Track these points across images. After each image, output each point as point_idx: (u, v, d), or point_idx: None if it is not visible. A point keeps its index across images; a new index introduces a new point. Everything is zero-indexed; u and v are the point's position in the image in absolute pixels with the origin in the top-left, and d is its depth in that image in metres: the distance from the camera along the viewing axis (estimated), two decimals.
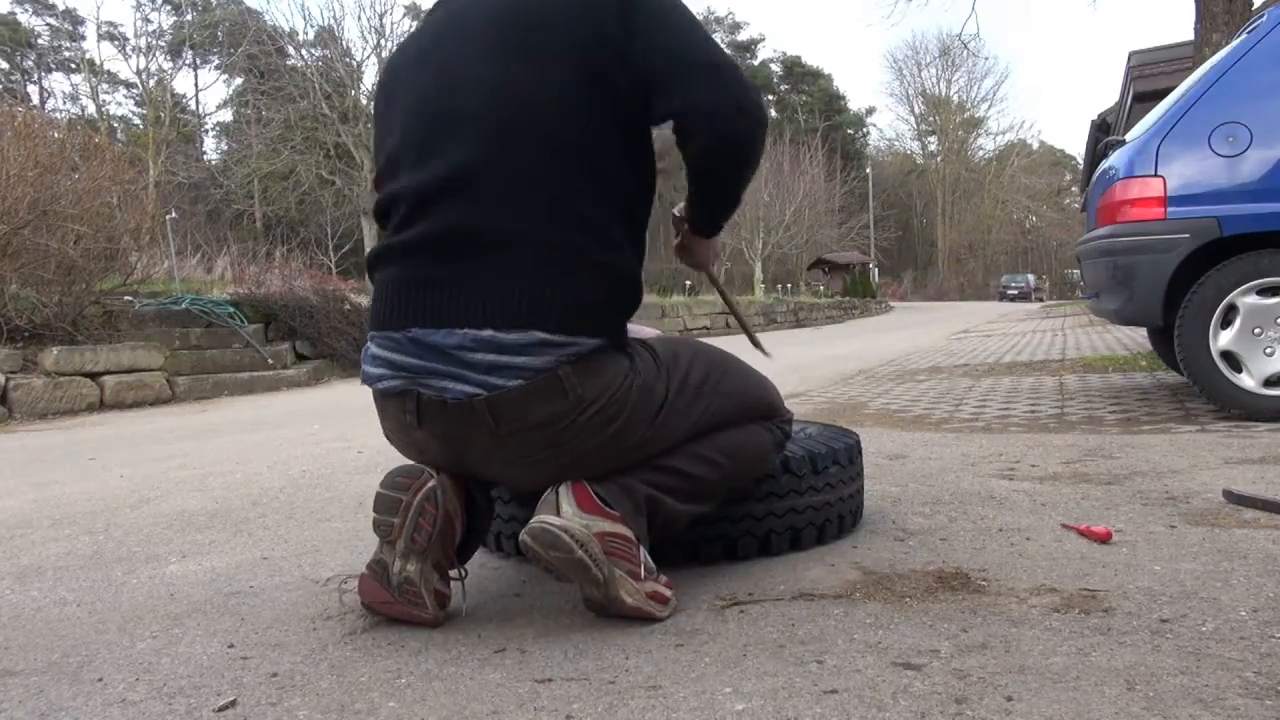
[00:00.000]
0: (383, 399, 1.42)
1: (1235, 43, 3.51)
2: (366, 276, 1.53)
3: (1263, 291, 3.09)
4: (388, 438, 1.50)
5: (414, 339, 1.33)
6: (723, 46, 1.38)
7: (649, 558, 1.39)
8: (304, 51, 28.44)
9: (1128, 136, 3.65)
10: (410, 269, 1.35)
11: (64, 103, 33.48)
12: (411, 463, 1.45)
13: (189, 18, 32.74)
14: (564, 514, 1.31)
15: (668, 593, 1.40)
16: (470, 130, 1.33)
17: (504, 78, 1.33)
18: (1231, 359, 3.14)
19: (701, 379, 1.47)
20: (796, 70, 57.81)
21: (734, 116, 1.31)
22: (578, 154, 1.32)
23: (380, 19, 27.58)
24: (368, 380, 1.43)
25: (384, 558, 1.40)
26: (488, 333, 1.28)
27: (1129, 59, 11.40)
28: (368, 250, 1.59)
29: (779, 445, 1.63)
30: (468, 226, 1.31)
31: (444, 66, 1.39)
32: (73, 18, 34.38)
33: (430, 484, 1.37)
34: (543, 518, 1.31)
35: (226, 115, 36.54)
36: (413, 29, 1.52)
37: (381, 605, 1.41)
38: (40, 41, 34.52)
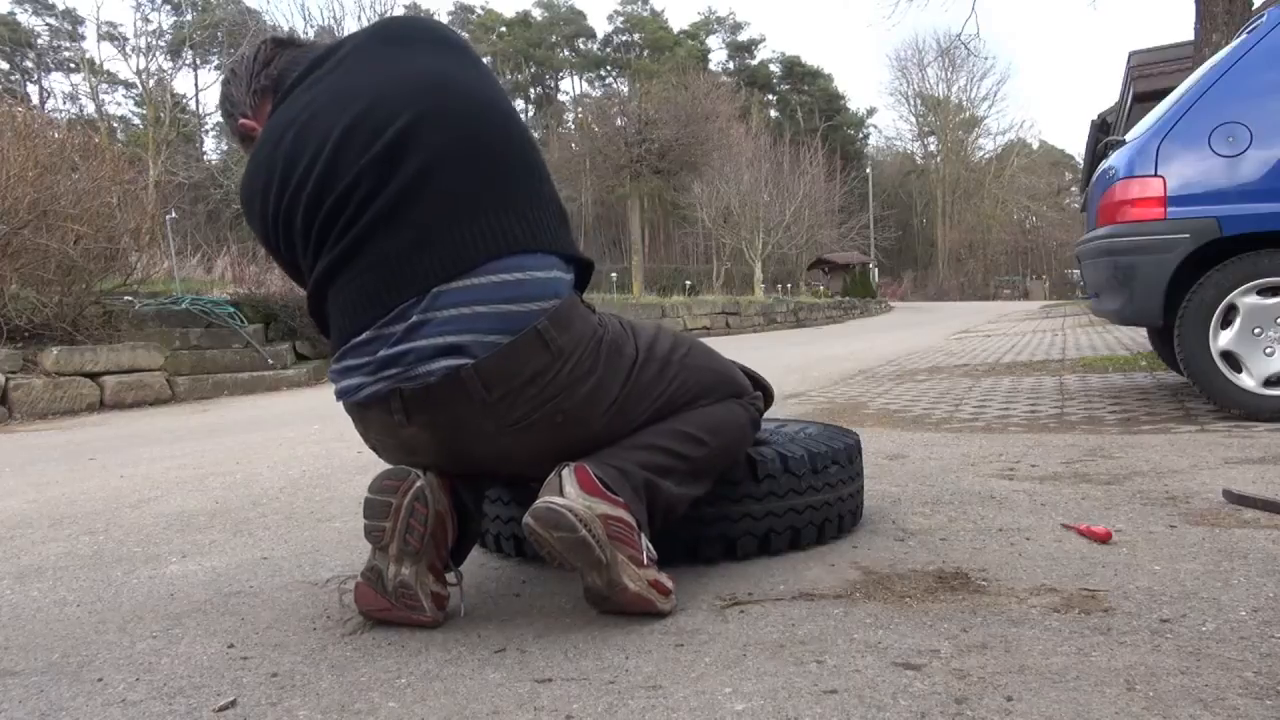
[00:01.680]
0: (362, 410, 1.42)
1: (1235, 43, 3.51)
2: (314, 320, 1.50)
3: (1263, 291, 3.09)
4: (374, 449, 1.51)
5: (398, 317, 1.34)
6: None
7: (650, 546, 1.40)
8: None
9: (1128, 136, 3.65)
10: (366, 259, 1.36)
11: (64, 103, 33.51)
12: (397, 466, 1.45)
13: (189, 18, 32.74)
14: (567, 495, 1.32)
15: (669, 584, 1.41)
16: (399, 114, 1.37)
17: (416, 69, 1.42)
18: (1231, 359, 3.14)
19: (669, 349, 1.54)
20: (797, 70, 57.84)
21: None
22: (498, 119, 1.43)
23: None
24: (345, 394, 1.43)
25: (378, 564, 1.39)
26: (458, 284, 1.32)
27: (1129, 59, 11.39)
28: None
29: (755, 423, 1.67)
30: (410, 190, 1.35)
31: (349, 97, 1.41)
32: (72, 18, 34.41)
33: (418, 484, 1.37)
34: (546, 498, 1.32)
35: None
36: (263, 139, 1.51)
37: (379, 612, 1.41)
38: (40, 41, 34.52)
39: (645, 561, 1.37)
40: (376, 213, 1.35)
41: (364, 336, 1.37)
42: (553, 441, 1.40)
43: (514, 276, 1.34)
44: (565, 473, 1.35)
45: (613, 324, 1.48)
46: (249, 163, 1.49)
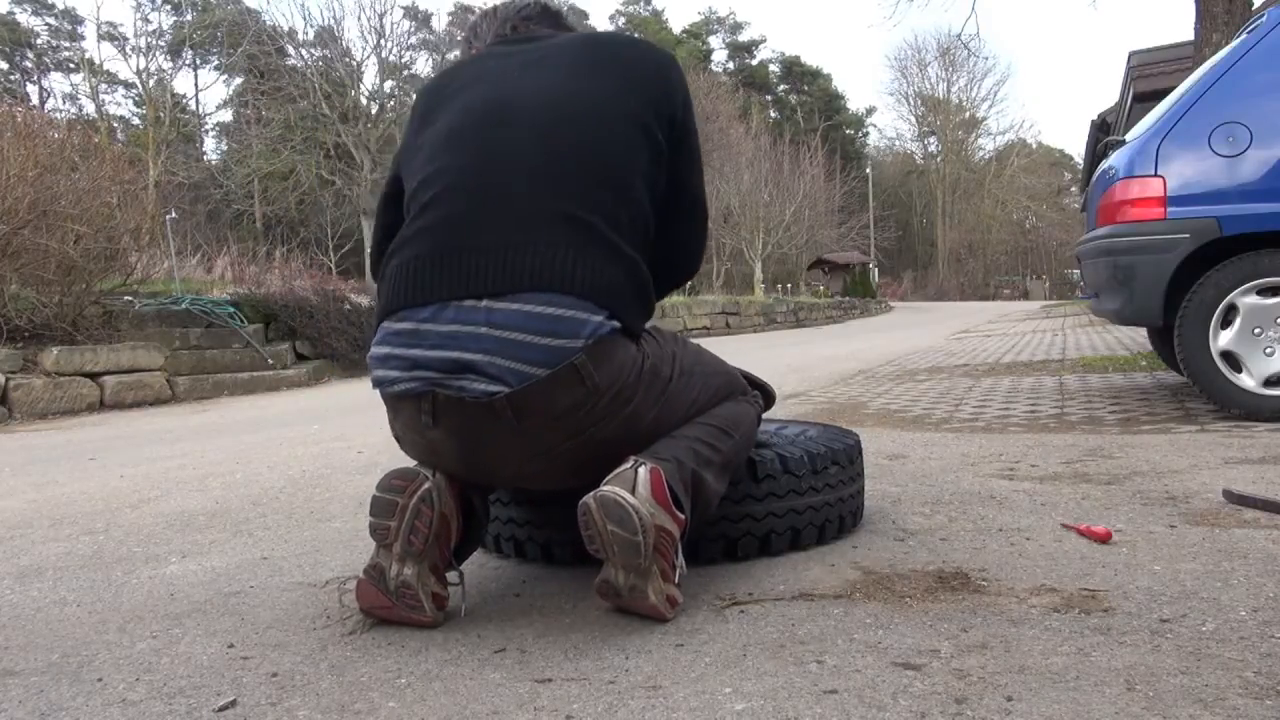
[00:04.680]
0: (396, 400, 1.42)
1: (1235, 43, 3.51)
2: (371, 273, 1.57)
3: (1263, 291, 3.09)
4: (398, 440, 1.50)
5: (435, 316, 1.34)
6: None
7: (683, 560, 1.40)
8: (304, 51, 28.41)
9: (1128, 136, 3.65)
10: (433, 240, 1.38)
11: (63, 103, 33.49)
12: (408, 466, 1.45)
13: (189, 18, 32.71)
14: (639, 496, 1.30)
15: (680, 598, 1.41)
16: (521, 121, 1.41)
17: (562, 89, 1.44)
18: (1231, 359, 3.14)
19: (692, 360, 1.57)
20: (796, 70, 57.79)
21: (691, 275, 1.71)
22: (616, 168, 1.42)
23: (380, 19, 27.49)
24: (381, 384, 1.42)
25: (381, 562, 1.39)
26: (504, 304, 1.32)
27: (1129, 59, 11.39)
28: (370, 249, 1.66)
29: (759, 419, 1.71)
30: (507, 200, 1.37)
31: (501, 84, 1.48)
32: (72, 17, 34.37)
33: (426, 485, 1.37)
34: (619, 491, 1.30)
35: (226, 115, 36.54)
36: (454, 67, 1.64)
37: (380, 610, 1.41)
38: (39, 41, 34.50)
39: (675, 578, 1.38)
40: (455, 208, 1.39)
41: (404, 326, 1.37)
42: (577, 463, 1.41)
43: (561, 312, 1.32)
44: (642, 472, 1.33)
45: (654, 346, 1.47)
46: (434, 81, 1.60)
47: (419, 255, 1.39)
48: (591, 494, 1.31)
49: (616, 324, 1.37)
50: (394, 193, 1.56)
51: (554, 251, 1.34)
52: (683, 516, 1.36)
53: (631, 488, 1.31)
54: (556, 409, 1.33)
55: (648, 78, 1.49)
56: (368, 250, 1.59)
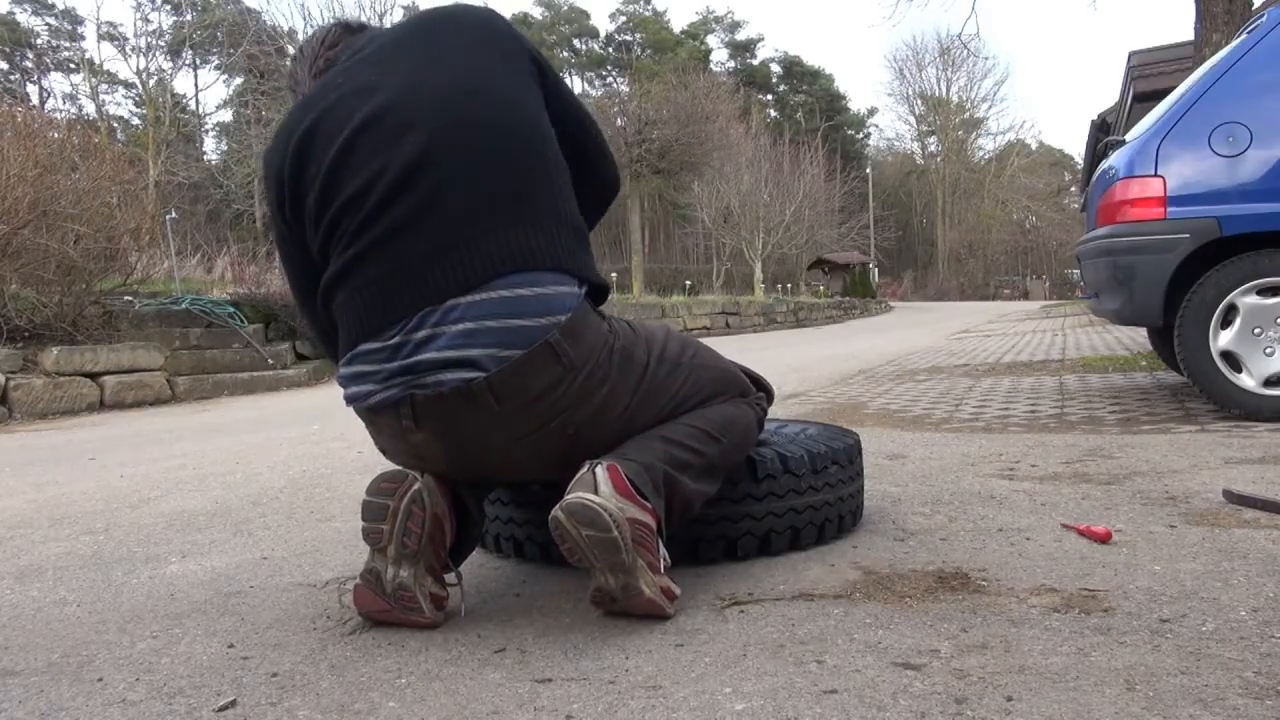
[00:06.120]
0: (373, 414, 1.42)
1: (1235, 43, 3.51)
2: (312, 327, 1.55)
3: (1263, 291, 3.09)
4: (383, 452, 1.50)
5: (407, 329, 1.33)
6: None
7: (666, 553, 1.40)
8: None
9: (1128, 136, 3.65)
10: (382, 265, 1.35)
11: (63, 103, 33.50)
12: (396, 467, 1.45)
13: (189, 18, 32.72)
14: (602, 494, 1.31)
15: (677, 590, 1.41)
16: (421, 122, 1.36)
17: (446, 75, 1.40)
18: (1231, 359, 3.14)
19: (679, 352, 1.56)
20: (797, 70, 57.81)
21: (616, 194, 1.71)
22: (524, 136, 1.41)
23: (380, 19, 27.51)
24: (354, 399, 1.42)
25: (376, 566, 1.39)
26: (471, 297, 1.31)
27: (1129, 59, 11.39)
28: (294, 297, 1.60)
29: (760, 422, 1.69)
30: (426, 204, 1.34)
31: (370, 89, 1.40)
32: (72, 17, 34.39)
33: (415, 486, 1.37)
34: (581, 495, 1.30)
35: (226, 115, 36.55)
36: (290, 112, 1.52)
37: (378, 614, 1.41)
38: (39, 41, 34.51)
39: (661, 568, 1.38)
40: (393, 221, 1.34)
41: (376, 345, 1.36)
42: (562, 450, 1.41)
43: (527, 291, 1.33)
44: (599, 471, 1.33)
45: (623, 330, 1.48)
46: (276, 134, 1.50)
47: (372, 280, 1.35)
48: (557, 506, 1.31)
49: (584, 289, 1.40)
50: (297, 238, 1.47)
51: (510, 232, 1.34)
52: (652, 507, 1.35)
53: (594, 488, 1.31)
54: (535, 389, 1.33)
55: (498, 34, 1.45)
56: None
